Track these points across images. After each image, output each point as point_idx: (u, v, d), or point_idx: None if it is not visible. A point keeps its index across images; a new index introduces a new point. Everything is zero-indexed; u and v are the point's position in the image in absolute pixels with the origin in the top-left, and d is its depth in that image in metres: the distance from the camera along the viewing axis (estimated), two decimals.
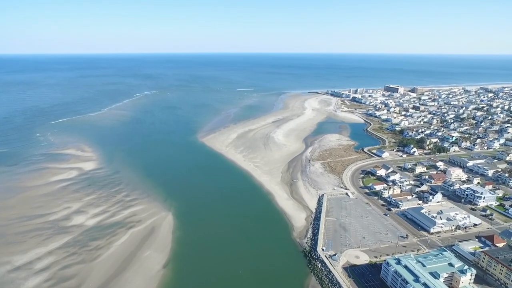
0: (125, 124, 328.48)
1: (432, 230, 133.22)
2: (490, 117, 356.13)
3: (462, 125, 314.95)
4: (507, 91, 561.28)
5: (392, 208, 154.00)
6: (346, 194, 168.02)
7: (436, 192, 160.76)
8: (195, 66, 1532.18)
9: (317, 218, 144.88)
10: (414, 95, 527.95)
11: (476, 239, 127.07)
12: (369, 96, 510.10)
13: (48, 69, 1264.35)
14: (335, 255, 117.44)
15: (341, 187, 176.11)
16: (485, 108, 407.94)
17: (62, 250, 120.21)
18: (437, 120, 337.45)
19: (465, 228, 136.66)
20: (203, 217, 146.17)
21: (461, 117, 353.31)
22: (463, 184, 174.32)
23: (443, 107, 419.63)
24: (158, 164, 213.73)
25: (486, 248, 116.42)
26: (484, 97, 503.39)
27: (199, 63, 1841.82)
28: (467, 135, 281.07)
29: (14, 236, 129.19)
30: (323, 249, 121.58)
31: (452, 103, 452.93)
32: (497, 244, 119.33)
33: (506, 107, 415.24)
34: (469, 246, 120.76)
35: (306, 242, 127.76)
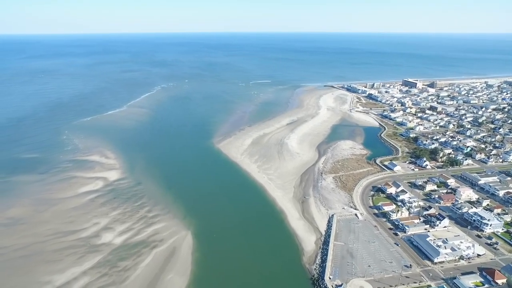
0: (144, 125, 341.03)
1: (435, 260, 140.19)
2: (510, 120, 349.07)
3: (479, 131, 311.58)
4: None
5: (399, 233, 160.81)
6: (355, 215, 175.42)
7: (444, 218, 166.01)
8: (206, 50, 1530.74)
9: (326, 242, 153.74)
10: (433, 90, 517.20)
11: (478, 272, 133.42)
12: (386, 91, 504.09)
13: (66, 54, 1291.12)
14: (341, 285, 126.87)
15: (351, 207, 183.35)
16: (506, 109, 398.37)
17: (95, 271, 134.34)
18: (453, 125, 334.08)
19: (469, 258, 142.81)
20: (219, 238, 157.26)
21: (480, 120, 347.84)
22: (472, 207, 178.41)
23: (461, 107, 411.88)
24: (176, 174, 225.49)
25: (486, 286, 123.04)
26: (506, 94, 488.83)
27: (210, 46, 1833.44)
28: (483, 145, 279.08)
29: (52, 253, 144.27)
30: (330, 278, 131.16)
31: (472, 101, 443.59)
32: (497, 280, 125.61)
33: None
34: (470, 281, 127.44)
35: (315, 269, 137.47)
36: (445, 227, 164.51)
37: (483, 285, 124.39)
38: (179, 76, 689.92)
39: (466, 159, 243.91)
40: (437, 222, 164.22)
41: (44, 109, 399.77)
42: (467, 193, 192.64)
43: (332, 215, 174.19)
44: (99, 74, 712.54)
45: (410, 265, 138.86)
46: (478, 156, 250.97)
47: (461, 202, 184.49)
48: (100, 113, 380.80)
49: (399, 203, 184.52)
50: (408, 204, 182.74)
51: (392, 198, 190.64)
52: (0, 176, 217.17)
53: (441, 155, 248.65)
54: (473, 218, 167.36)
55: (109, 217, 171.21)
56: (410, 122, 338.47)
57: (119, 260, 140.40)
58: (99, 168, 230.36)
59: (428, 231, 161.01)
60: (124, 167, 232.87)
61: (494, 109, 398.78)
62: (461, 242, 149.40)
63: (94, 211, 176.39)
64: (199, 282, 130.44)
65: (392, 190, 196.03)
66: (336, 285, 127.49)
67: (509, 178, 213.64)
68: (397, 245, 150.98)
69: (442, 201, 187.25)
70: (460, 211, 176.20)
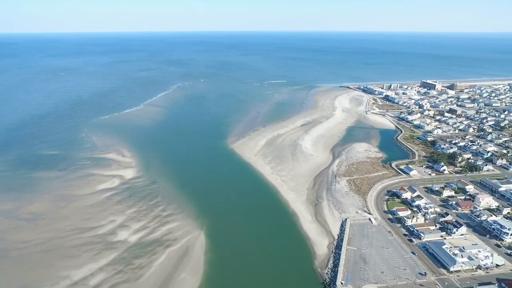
0: (160, 124, 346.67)
1: (451, 269, 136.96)
2: None
3: (501, 135, 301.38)
4: None
5: (413, 239, 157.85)
6: (369, 219, 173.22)
7: (461, 225, 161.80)
8: (221, 49, 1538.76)
9: (338, 247, 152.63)
10: (452, 92, 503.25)
11: (497, 283, 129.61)
12: (403, 93, 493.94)
13: (86, 52, 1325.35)
14: None
15: (365, 211, 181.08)
16: None
17: (110, 267, 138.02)
18: (473, 129, 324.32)
19: (487, 268, 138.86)
20: (231, 239, 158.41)
21: (502, 124, 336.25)
22: (492, 215, 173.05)
23: (482, 110, 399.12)
24: (190, 173, 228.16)
25: None
26: None
27: (226, 45, 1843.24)
28: (504, 150, 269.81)
29: (70, 249, 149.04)
30: (342, 283, 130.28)
31: (494, 104, 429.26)
32: None
33: None
34: None
35: (327, 273, 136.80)
36: (462, 235, 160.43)
37: None
38: (194, 75, 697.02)
39: (486, 165, 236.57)
40: (454, 230, 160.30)
41: (65, 107, 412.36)
42: (486, 200, 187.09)
43: (346, 219, 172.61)
44: (117, 73, 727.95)
45: (425, 273, 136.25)
46: (499, 162, 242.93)
47: (480, 210, 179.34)
48: (117, 111, 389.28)
49: (415, 209, 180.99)
50: (424, 210, 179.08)
51: (407, 203, 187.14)
52: (23, 171, 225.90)
53: (459, 160, 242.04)
54: (493, 226, 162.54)
55: (125, 215, 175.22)
56: (428, 125, 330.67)
57: (134, 258, 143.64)
58: (116, 166, 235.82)
59: (445, 238, 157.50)
60: (140, 165, 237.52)
61: None
62: (479, 251, 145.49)
63: (110, 209, 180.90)
64: (211, 282, 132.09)
65: (407, 195, 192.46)
66: None
67: None
68: (414, 254, 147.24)
69: (459, 208, 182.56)
70: (478, 218, 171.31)
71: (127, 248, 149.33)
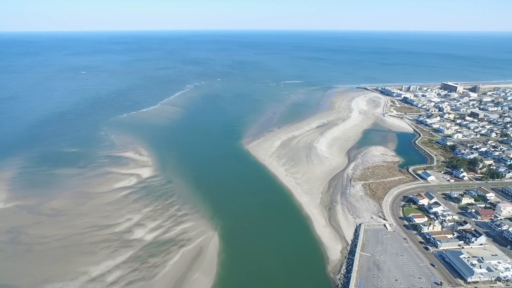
0: (176, 123, 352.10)
1: (469, 280, 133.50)
2: None
3: None
4: None
5: (429, 247, 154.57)
6: (384, 225, 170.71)
7: (480, 235, 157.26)
8: (237, 48, 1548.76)
9: (352, 252, 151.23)
10: (475, 95, 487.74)
11: None
12: (423, 95, 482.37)
13: (105, 51, 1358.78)
14: None
15: (380, 217, 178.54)
16: None
17: (126, 265, 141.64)
18: (496, 133, 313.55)
19: (507, 281, 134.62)
20: (245, 240, 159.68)
21: None
22: None
23: (506, 114, 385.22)
24: (205, 173, 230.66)
25: None
26: None
27: (241, 44, 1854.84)
28: None
29: (88, 246, 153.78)
30: None
31: None
32: None
33: None
34: None
35: (339, 279, 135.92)
36: (481, 244, 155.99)
37: None
38: (210, 74, 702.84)
39: (509, 172, 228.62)
40: (473, 239, 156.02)
41: (85, 105, 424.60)
42: (508, 209, 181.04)
43: (360, 224, 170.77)
44: (135, 71, 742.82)
45: (441, 282, 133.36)
46: None
47: (500, 219, 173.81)
48: (135, 110, 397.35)
49: (432, 216, 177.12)
50: (442, 218, 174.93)
51: (424, 210, 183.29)
52: (45, 168, 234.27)
53: (480, 166, 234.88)
54: None
55: (141, 213, 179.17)
56: (447, 129, 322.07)
57: (149, 256, 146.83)
58: (133, 164, 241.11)
59: (462, 247, 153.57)
60: (156, 164, 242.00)
61: None
62: (499, 262, 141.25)
63: (127, 207, 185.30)
64: (224, 283, 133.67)
65: (424, 201, 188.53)
66: None
67: None
68: (434, 266, 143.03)
69: (479, 216, 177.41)
70: (499, 228, 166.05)
71: (142, 247, 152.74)
